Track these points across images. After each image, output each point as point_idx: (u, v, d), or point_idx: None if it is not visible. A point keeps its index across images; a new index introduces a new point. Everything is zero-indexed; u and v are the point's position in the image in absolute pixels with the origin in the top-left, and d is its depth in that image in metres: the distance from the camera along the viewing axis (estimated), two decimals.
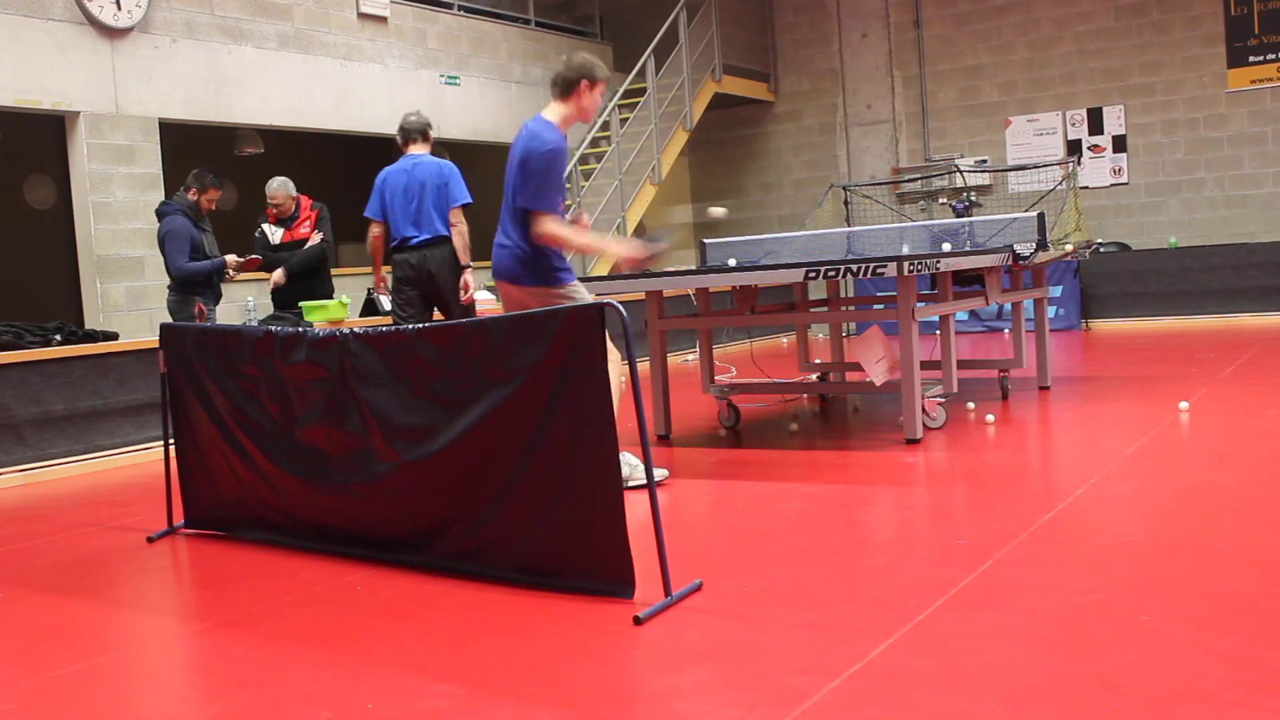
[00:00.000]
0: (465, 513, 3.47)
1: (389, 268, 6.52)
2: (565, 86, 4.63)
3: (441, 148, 14.14)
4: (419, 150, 6.42)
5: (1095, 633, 2.64)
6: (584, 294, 4.70)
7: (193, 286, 7.22)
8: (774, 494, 4.50)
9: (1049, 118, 13.29)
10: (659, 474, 4.69)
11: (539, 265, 4.59)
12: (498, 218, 4.66)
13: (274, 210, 7.62)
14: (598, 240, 4.76)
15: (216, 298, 7.42)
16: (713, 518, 4.27)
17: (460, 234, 6.36)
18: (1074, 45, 13.10)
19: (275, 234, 7.61)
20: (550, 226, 4.49)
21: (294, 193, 7.66)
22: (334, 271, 8.21)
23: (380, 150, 16.77)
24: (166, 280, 9.32)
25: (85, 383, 6.50)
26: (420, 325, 3.61)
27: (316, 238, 7.61)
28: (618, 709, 2.43)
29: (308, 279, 7.62)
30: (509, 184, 4.64)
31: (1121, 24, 12.85)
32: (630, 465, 4.57)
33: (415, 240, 6.28)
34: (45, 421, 6.32)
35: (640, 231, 12.02)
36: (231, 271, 7.36)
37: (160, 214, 7.30)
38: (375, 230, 6.52)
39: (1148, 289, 11.80)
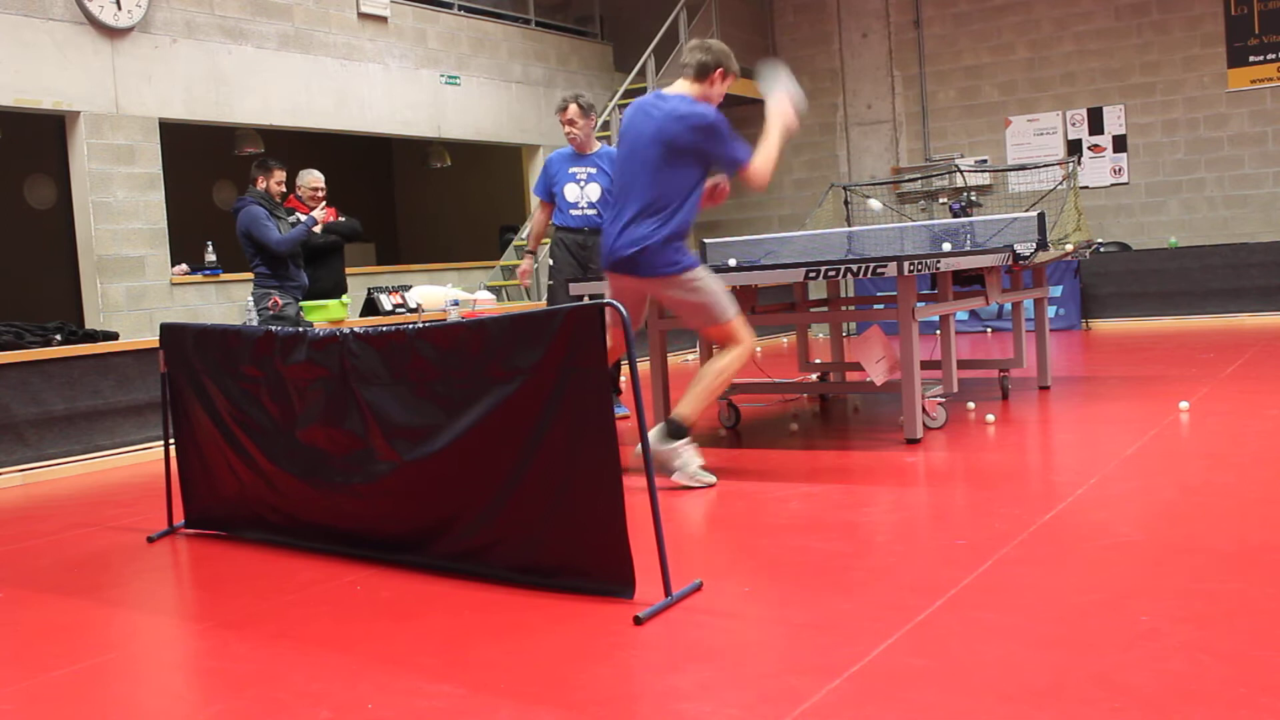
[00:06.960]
0: (465, 513, 3.47)
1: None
2: (701, 70, 4.69)
3: (443, 147, 14.21)
4: None
5: (1095, 633, 2.64)
6: (713, 278, 4.75)
7: (281, 273, 7.06)
8: (774, 494, 4.50)
9: (1049, 118, 13.28)
10: (708, 478, 4.73)
11: (666, 254, 4.60)
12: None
13: (315, 198, 7.69)
14: (776, 132, 4.74)
15: (300, 289, 7.30)
16: (713, 518, 4.27)
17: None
18: (1074, 45, 13.09)
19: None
20: (756, 165, 4.61)
21: None
22: None
23: (380, 150, 16.81)
24: (167, 279, 9.38)
25: (85, 383, 6.50)
26: (422, 325, 3.60)
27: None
28: (618, 709, 2.42)
29: (319, 264, 7.74)
30: (634, 170, 4.62)
31: (1121, 24, 12.85)
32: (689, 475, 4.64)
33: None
34: (45, 421, 6.32)
35: None
36: (319, 230, 7.40)
37: (235, 210, 7.12)
38: None
39: (1148, 289, 11.80)
